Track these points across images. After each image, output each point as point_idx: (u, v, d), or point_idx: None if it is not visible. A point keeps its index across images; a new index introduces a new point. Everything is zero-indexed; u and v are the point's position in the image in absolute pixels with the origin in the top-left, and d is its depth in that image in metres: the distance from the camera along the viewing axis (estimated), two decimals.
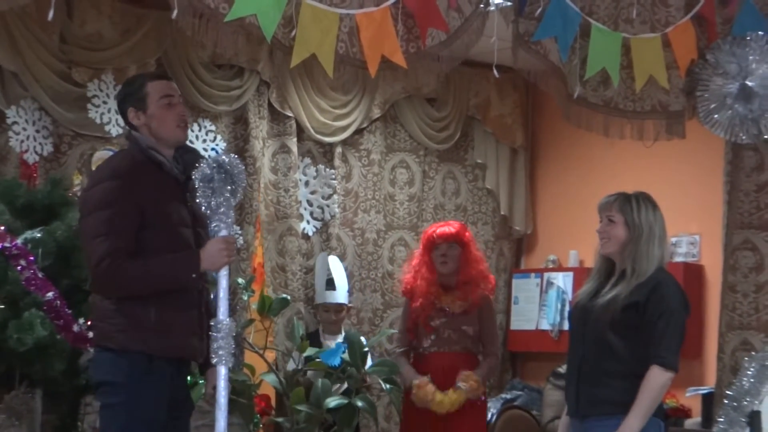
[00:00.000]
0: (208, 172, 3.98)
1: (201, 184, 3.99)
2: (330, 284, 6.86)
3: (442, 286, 6.03)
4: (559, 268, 7.89)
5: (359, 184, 7.69)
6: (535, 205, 8.38)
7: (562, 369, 6.28)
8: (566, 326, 7.52)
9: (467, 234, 6.08)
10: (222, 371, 4.00)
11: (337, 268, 7.02)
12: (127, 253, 4.03)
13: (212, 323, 4.00)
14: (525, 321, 7.84)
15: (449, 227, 6.07)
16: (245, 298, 6.51)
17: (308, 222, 7.46)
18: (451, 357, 5.90)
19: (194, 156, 4.29)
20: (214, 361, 3.97)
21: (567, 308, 7.61)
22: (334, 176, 7.50)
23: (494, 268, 8.06)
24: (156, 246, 4.08)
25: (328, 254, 7.19)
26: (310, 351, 6.22)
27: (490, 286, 6.12)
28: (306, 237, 7.39)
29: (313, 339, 6.63)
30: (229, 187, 3.99)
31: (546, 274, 7.87)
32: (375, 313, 7.71)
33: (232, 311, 6.28)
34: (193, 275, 4.05)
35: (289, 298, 6.57)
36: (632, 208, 4.46)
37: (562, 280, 7.74)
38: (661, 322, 4.30)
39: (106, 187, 4.10)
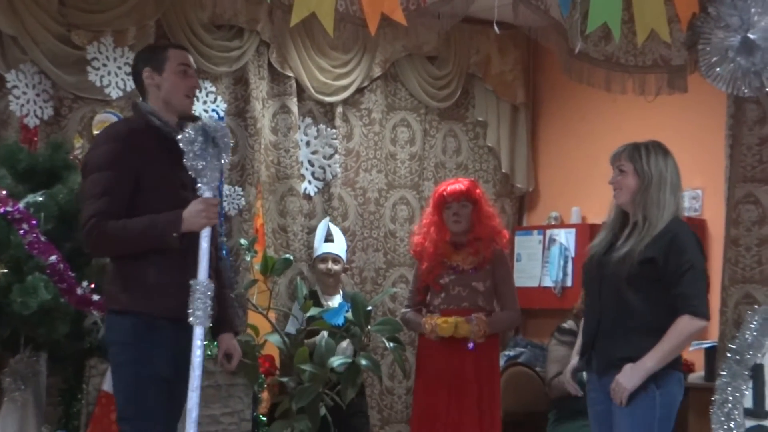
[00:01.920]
0: (192, 135, 4.01)
1: (185, 147, 4.02)
2: (329, 239, 6.89)
3: (453, 245, 5.95)
4: (562, 225, 7.79)
5: (360, 143, 7.60)
6: (536, 162, 8.27)
7: (567, 325, 6.31)
8: (569, 283, 7.58)
9: (478, 190, 5.98)
10: (198, 331, 4.01)
11: (336, 230, 7.07)
12: (114, 215, 4.09)
13: (192, 283, 4.02)
14: (528, 278, 7.73)
15: (459, 184, 5.96)
16: (248, 259, 6.50)
17: (309, 182, 7.40)
18: (462, 313, 5.81)
19: (182, 125, 4.33)
20: (191, 320, 3.99)
21: (570, 265, 7.56)
22: (335, 136, 7.41)
23: None
24: (156, 208, 4.12)
25: (330, 218, 7.21)
26: (313, 311, 6.24)
27: (504, 240, 6.02)
28: (307, 197, 7.35)
29: (313, 299, 6.61)
30: (211, 150, 4.00)
31: (548, 231, 7.76)
32: (377, 273, 7.65)
33: (235, 272, 6.59)
34: (174, 234, 4.06)
35: (291, 258, 6.61)
36: (641, 156, 4.45)
37: (565, 237, 7.63)
38: (687, 277, 4.27)
39: (102, 151, 4.17)
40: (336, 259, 6.79)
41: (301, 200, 7.23)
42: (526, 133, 8.21)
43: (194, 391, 3.98)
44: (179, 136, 4.03)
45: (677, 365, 4.42)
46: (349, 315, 6.12)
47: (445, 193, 5.91)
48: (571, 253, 7.55)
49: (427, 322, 5.78)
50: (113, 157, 4.12)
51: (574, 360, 4.74)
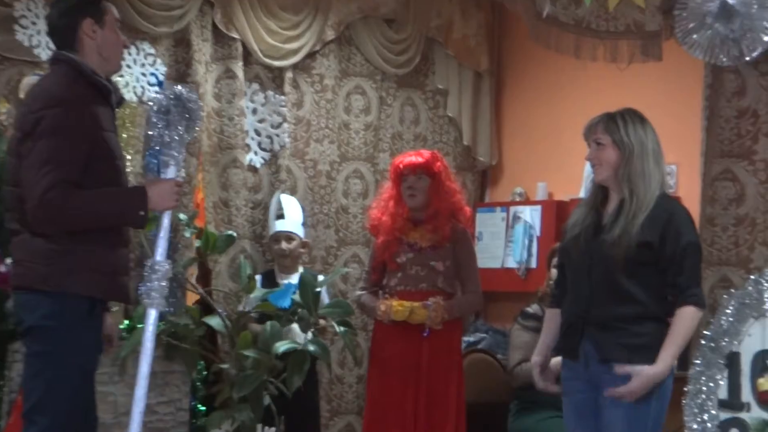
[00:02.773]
0: (165, 103, 3.97)
1: (156, 114, 3.98)
2: (280, 216, 6.78)
3: (412, 221, 5.95)
4: (527, 202, 7.71)
5: (311, 111, 7.47)
6: (500, 133, 8.19)
7: (531, 309, 6.18)
8: (534, 264, 7.50)
9: (438, 164, 5.97)
10: (152, 314, 4.01)
11: (290, 202, 6.93)
12: (76, 185, 3.96)
13: (147, 263, 4.02)
14: (490, 258, 7.64)
15: (417, 157, 5.96)
16: (187, 235, 6.41)
17: (255, 153, 7.29)
18: (420, 295, 5.82)
19: (115, 86, 4.27)
20: (145, 302, 4.00)
21: (535, 245, 7.49)
22: (284, 103, 7.30)
23: None
24: (102, 181, 4.03)
25: (281, 191, 7.11)
26: (257, 292, 6.16)
27: (466, 218, 6.04)
28: (253, 169, 7.24)
29: (269, 280, 6.56)
30: (184, 122, 3.97)
31: (512, 208, 7.70)
32: (328, 252, 7.52)
33: (173, 249, 6.11)
34: (141, 213, 3.99)
35: (234, 234, 6.49)
36: (618, 126, 4.33)
37: (530, 215, 7.57)
38: (688, 260, 4.22)
39: (56, 114, 3.99)
40: (289, 236, 6.69)
41: (245, 172, 7.13)
42: (490, 103, 8.11)
43: (143, 380, 3.99)
44: (149, 102, 4.07)
45: None
46: (297, 297, 6.01)
47: (401, 165, 5.92)
48: (537, 231, 7.50)
49: (382, 303, 5.80)
50: (68, 122, 3.97)
51: (540, 355, 4.60)
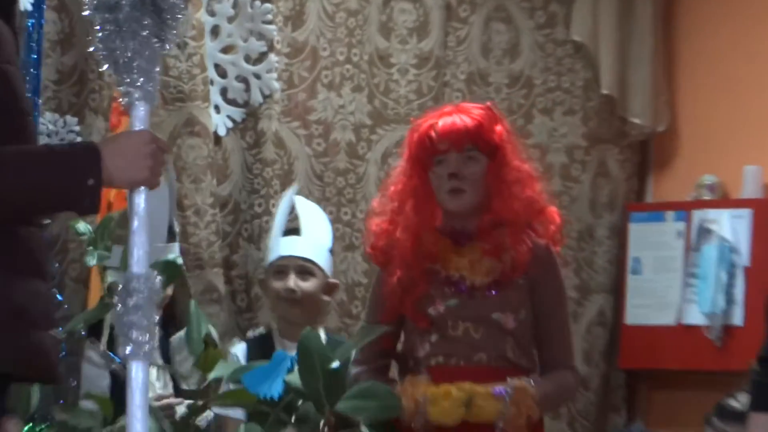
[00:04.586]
0: None
1: (98, 17, 3.24)
2: (292, 232, 5.27)
3: (452, 238, 4.62)
4: (724, 202, 6.04)
5: (319, 32, 5.85)
6: (672, 81, 6.43)
7: (738, 403, 5.23)
8: (738, 318, 5.96)
9: (498, 127, 4.60)
10: (138, 377, 3.25)
11: (308, 210, 5.40)
12: None
13: (120, 283, 3.31)
14: (652, 309, 6.09)
15: (461, 116, 4.59)
16: (92, 262, 5.23)
17: (218, 110, 5.64)
18: (475, 375, 4.47)
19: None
20: (127, 351, 3.23)
21: (740, 281, 5.92)
22: (269, 15, 5.71)
23: (585, 199, 6.13)
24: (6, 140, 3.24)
25: (295, 189, 5.53)
26: (223, 368, 4.89)
27: (552, 228, 4.67)
28: (215, 140, 5.65)
29: (262, 350, 5.21)
30: (150, 20, 3.15)
31: (697, 214, 6.01)
32: (351, 290, 5.92)
33: (60, 288, 5.44)
34: (90, 182, 3.16)
35: (179, 261, 5.10)
36: None
37: (730, 226, 5.90)
38: None
39: None
40: (304, 268, 5.24)
41: (206, 144, 5.55)
42: (652, 22, 6.34)
43: None
44: None
45: None
46: (295, 377, 4.62)
47: (432, 134, 4.61)
48: (744, 257, 5.90)
49: (406, 394, 4.52)
50: None
51: None
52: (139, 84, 3.27)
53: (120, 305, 3.24)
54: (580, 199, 6.06)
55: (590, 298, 5.78)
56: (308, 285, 5.19)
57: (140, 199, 3.20)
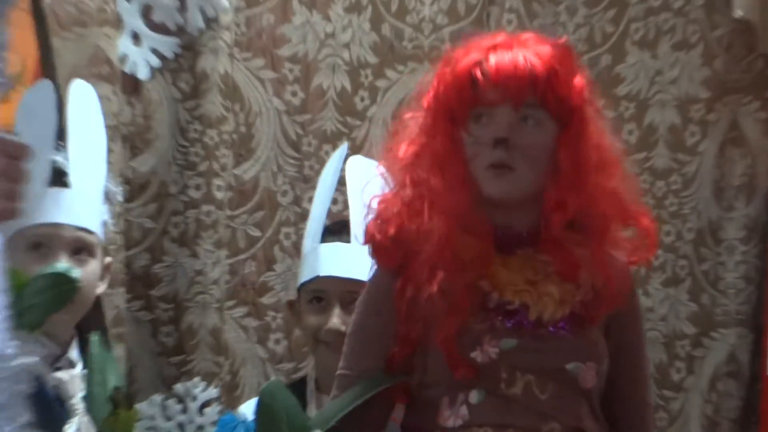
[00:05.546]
0: None
1: None
2: (335, 230, 3.86)
3: (505, 237, 3.29)
4: None
5: None
6: None
7: None
8: None
9: (578, 78, 3.19)
10: None
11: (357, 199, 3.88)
12: None
13: None
14: None
15: (523, 52, 3.21)
16: None
17: (136, 39, 4.46)
18: None
19: None
20: None
21: None
22: None
23: (707, 181, 4.76)
24: None
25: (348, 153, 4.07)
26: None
27: (647, 242, 3.33)
28: (131, 86, 4.41)
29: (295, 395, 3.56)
30: None
31: None
32: None
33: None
34: None
35: (77, 276, 3.37)
36: None
37: None
38: None
39: None
40: (356, 298, 3.83)
41: (115, 93, 4.31)
42: None
43: None
44: None
45: None
46: None
47: (478, 74, 3.19)
48: None
49: None
50: None
51: None
52: None
53: None
54: (698, 181, 4.52)
55: (714, 335, 4.42)
56: None
57: None
